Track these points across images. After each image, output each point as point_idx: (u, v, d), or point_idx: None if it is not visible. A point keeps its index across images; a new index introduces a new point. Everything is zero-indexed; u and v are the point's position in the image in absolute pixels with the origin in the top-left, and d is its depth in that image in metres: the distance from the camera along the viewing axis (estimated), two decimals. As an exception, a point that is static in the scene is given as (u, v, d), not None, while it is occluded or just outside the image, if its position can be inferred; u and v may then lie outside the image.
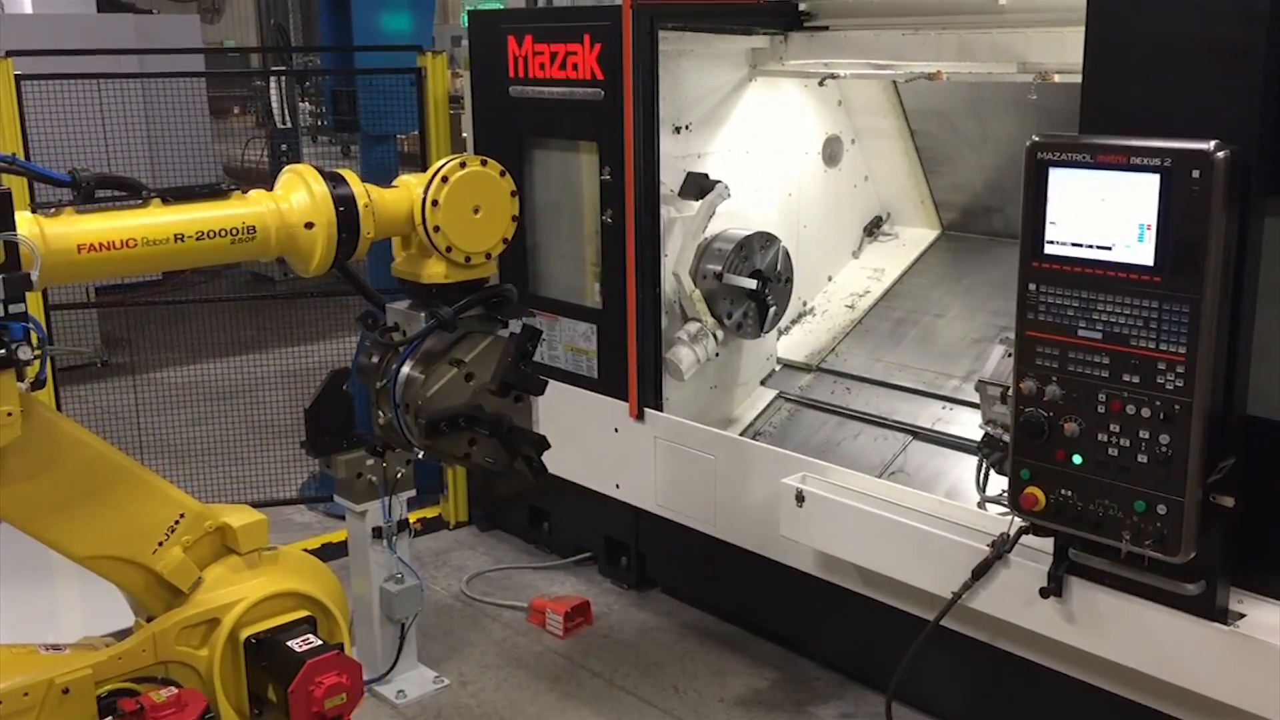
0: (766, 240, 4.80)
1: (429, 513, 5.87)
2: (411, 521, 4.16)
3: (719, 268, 4.69)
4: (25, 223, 2.46)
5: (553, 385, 5.04)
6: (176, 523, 2.86)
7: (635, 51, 4.40)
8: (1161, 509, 2.85)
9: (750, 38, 4.85)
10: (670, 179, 4.65)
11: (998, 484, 3.55)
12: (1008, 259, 4.06)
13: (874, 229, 5.53)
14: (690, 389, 4.84)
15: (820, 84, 5.05)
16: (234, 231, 2.78)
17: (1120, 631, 3.14)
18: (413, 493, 4.13)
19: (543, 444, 3.36)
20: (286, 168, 3.00)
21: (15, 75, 5.23)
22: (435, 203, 3.07)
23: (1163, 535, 2.86)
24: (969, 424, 4.32)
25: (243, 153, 12.56)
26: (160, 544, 2.83)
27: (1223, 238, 2.71)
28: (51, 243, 2.51)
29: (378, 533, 4.05)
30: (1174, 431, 2.81)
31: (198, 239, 2.72)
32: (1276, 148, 2.78)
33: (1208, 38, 2.76)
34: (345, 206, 2.91)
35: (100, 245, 2.59)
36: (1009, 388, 3.18)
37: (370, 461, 3.98)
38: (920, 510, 3.71)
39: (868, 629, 4.10)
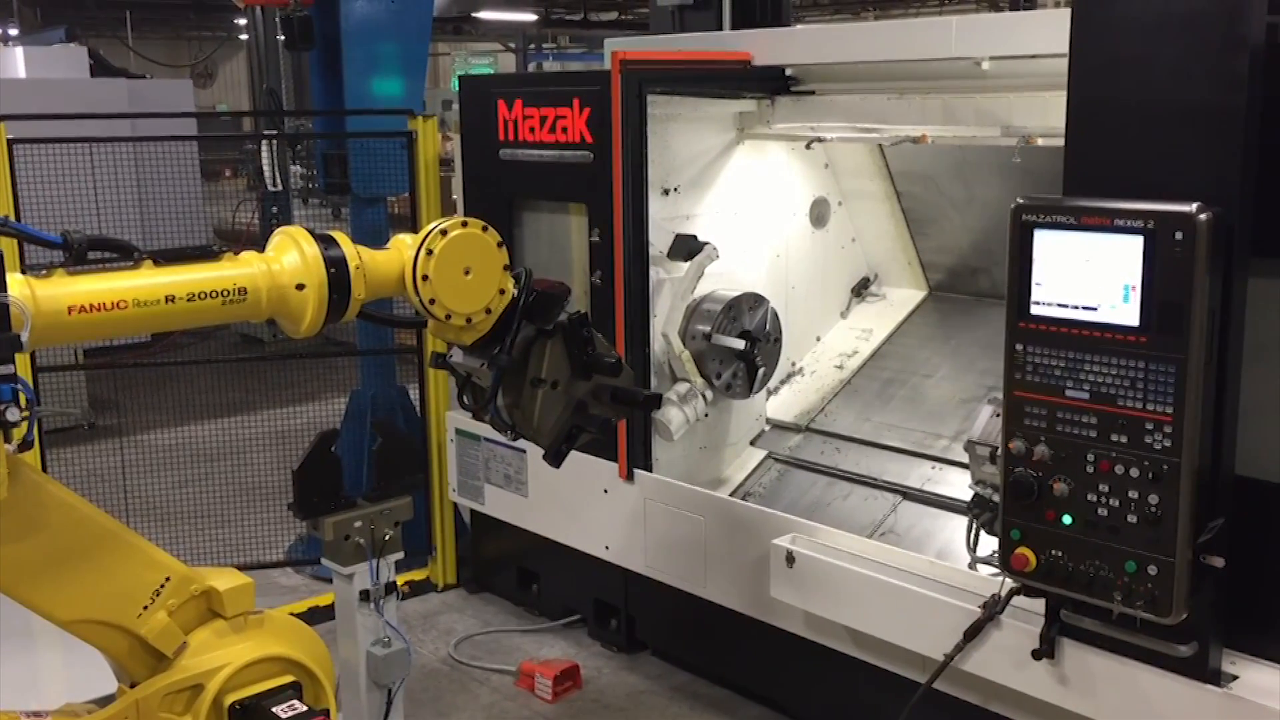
0: (755, 301, 4.83)
1: (417, 575, 5.82)
2: (399, 584, 4.12)
3: (708, 328, 4.71)
4: (16, 284, 2.45)
5: (542, 446, 5.07)
6: (162, 586, 2.82)
7: (624, 115, 4.45)
8: (1152, 569, 2.84)
9: (738, 102, 4.91)
10: (659, 240, 4.68)
11: (988, 544, 3.54)
12: (995, 319, 4.08)
13: (862, 290, 5.56)
14: (680, 449, 4.83)
15: (807, 147, 5.11)
16: (225, 293, 2.75)
17: (1113, 693, 3.12)
18: (400, 555, 4.10)
19: (650, 401, 3.61)
20: (278, 230, 2.98)
21: (8, 139, 5.26)
22: (425, 277, 3.04)
23: (1154, 596, 2.85)
24: (958, 484, 4.31)
25: (234, 215, 12.61)
26: (145, 608, 2.79)
27: (1207, 298, 2.74)
28: (42, 304, 2.49)
29: (365, 595, 4.01)
30: (1163, 491, 2.81)
31: (189, 300, 2.69)
32: (1259, 209, 2.81)
33: (1188, 102, 2.80)
34: (336, 268, 2.89)
35: (91, 306, 2.55)
36: (998, 448, 3.18)
37: (358, 524, 3.96)
38: (911, 571, 3.69)
39: (859, 691, 4.06)
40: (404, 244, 3.10)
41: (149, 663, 2.84)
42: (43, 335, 2.51)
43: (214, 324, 3.07)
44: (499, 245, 3.13)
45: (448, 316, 3.08)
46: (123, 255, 2.69)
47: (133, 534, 2.85)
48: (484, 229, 3.12)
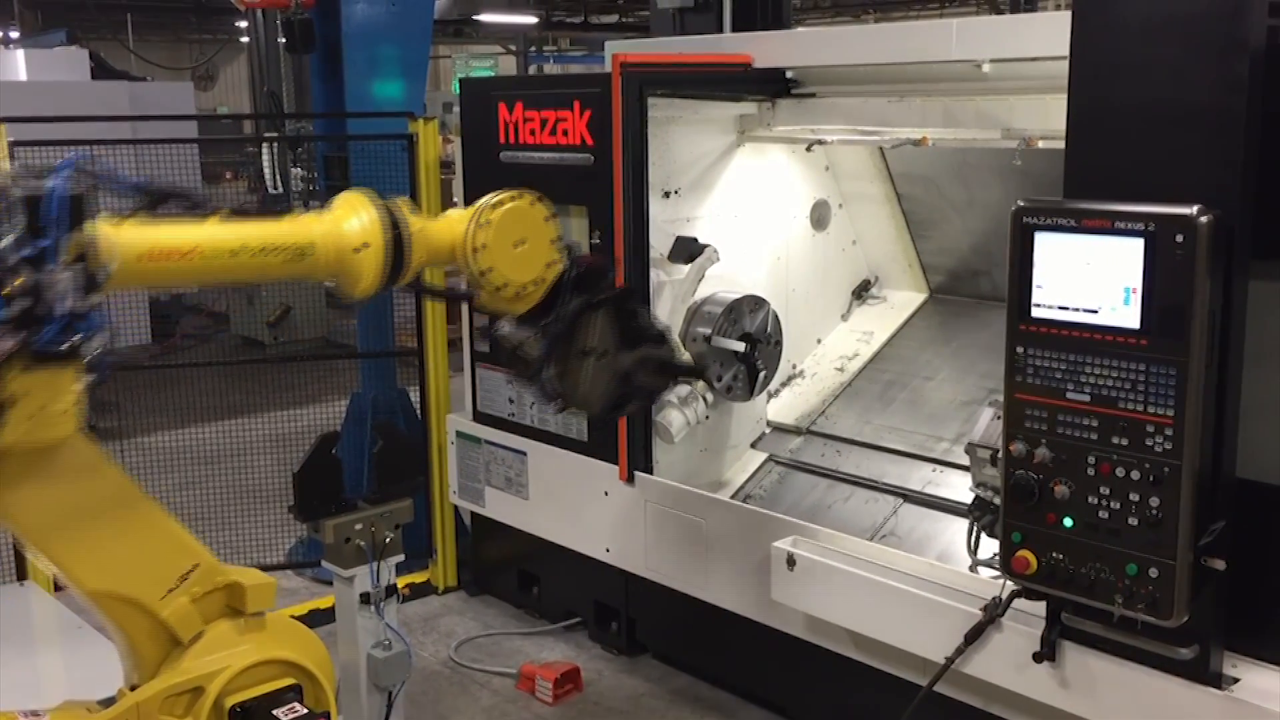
0: (756, 303, 4.83)
1: (417, 578, 5.82)
2: (400, 587, 4.12)
3: (708, 331, 4.71)
4: (95, 225, 2.48)
5: (542, 449, 5.08)
6: (189, 572, 2.85)
7: (625, 118, 4.45)
8: (1153, 572, 2.84)
9: (738, 104, 4.91)
10: (660, 243, 4.68)
11: (989, 547, 3.54)
12: (995, 322, 4.09)
13: (862, 292, 5.56)
14: (680, 452, 4.83)
15: (808, 149, 5.11)
16: (290, 250, 2.81)
17: (1114, 696, 3.12)
18: (401, 557, 4.10)
19: (693, 369, 3.71)
20: (342, 193, 3.03)
21: (9, 141, 5.26)
22: (480, 248, 3.10)
23: (1155, 598, 2.85)
24: (959, 487, 4.31)
25: (234, 217, 12.58)
26: (170, 591, 2.82)
27: (1207, 301, 2.74)
28: (118, 247, 2.51)
29: (365, 598, 4.01)
30: (1164, 494, 2.81)
31: (255, 254, 2.74)
32: (1259, 212, 2.81)
33: (1189, 104, 2.80)
34: (396, 233, 2.94)
35: (163, 253, 2.60)
36: (999, 450, 3.18)
37: (359, 526, 3.96)
38: (912, 574, 3.69)
39: (860, 694, 4.06)
40: (457, 216, 3.16)
41: (162, 649, 2.85)
42: (116, 278, 2.52)
43: (274, 280, 3.12)
44: (549, 218, 3.22)
45: (501, 287, 3.14)
46: (193, 208, 2.73)
47: (169, 516, 2.88)
48: (536, 202, 3.20)
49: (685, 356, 3.58)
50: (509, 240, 3.12)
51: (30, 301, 2.32)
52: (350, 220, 2.91)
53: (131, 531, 2.78)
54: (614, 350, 3.39)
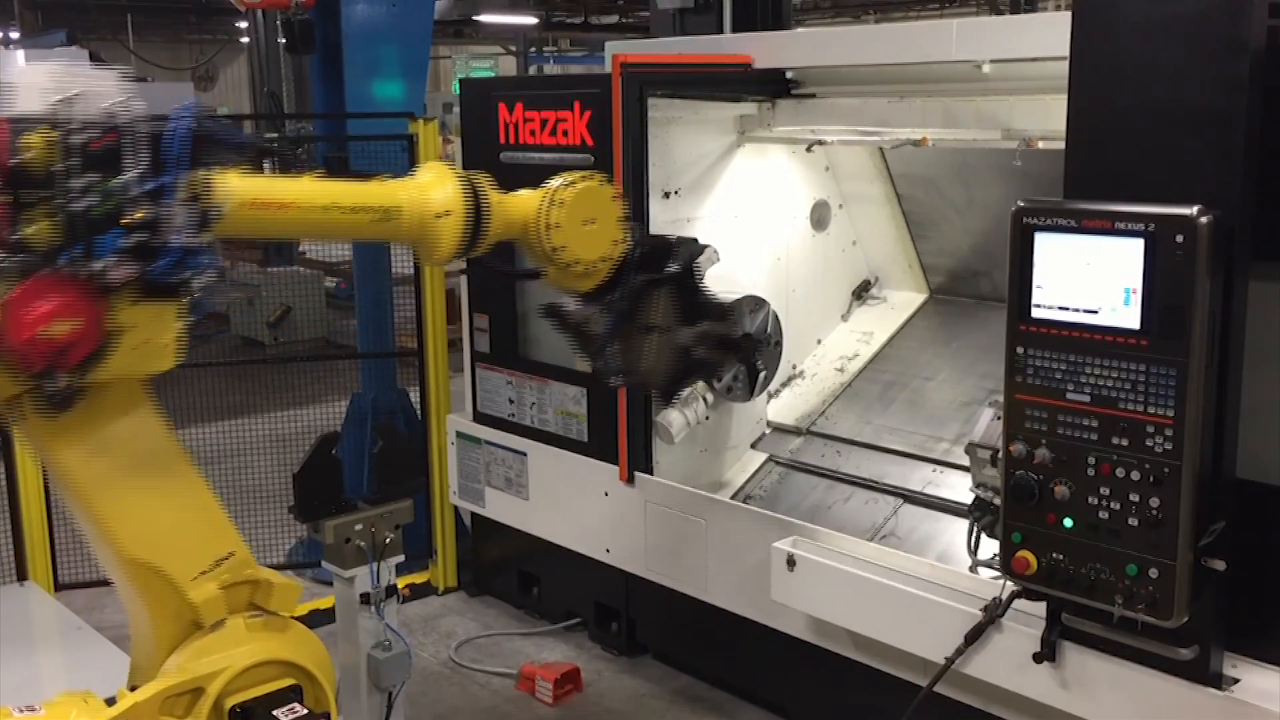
0: (756, 304, 4.82)
1: (418, 578, 5.82)
2: (400, 587, 4.12)
3: (708, 331, 4.70)
4: (208, 170, 2.54)
5: (543, 449, 5.08)
6: (224, 559, 2.86)
7: (625, 118, 4.45)
8: (1153, 572, 2.84)
9: (738, 105, 4.91)
10: (660, 243, 4.68)
11: (989, 547, 3.54)
12: (995, 322, 4.08)
13: (862, 292, 5.56)
14: (680, 452, 4.83)
15: (808, 150, 5.11)
16: (378, 211, 2.90)
17: (1114, 697, 3.12)
18: (401, 558, 4.10)
19: (749, 343, 3.84)
20: (425, 163, 3.12)
21: (9, 142, 5.26)
22: (553, 226, 3.19)
23: (1155, 599, 2.85)
24: (959, 487, 4.31)
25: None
26: (203, 573, 2.83)
27: (1207, 301, 2.74)
28: (227, 192, 2.57)
29: (365, 599, 4.01)
30: (1164, 494, 2.81)
31: (346, 212, 2.83)
32: (1259, 213, 2.81)
33: (1189, 105, 2.80)
34: (477, 203, 3.04)
35: (265, 203, 2.67)
36: (999, 450, 3.18)
37: (359, 527, 3.96)
38: (912, 574, 3.69)
39: (860, 694, 4.06)
40: (528, 194, 3.25)
41: (180, 632, 2.85)
42: (223, 222, 2.58)
43: (358, 240, 3.21)
44: (617, 197, 3.33)
45: (571, 264, 3.24)
46: (287, 167, 2.84)
47: (215, 500, 2.90)
48: (605, 181, 3.31)
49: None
50: (579, 218, 3.22)
51: (147, 235, 2.40)
52: (435, 188, 3.01)
53: (179, 504, 2.81)
54: (675, 326, 3.51)
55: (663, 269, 3.48)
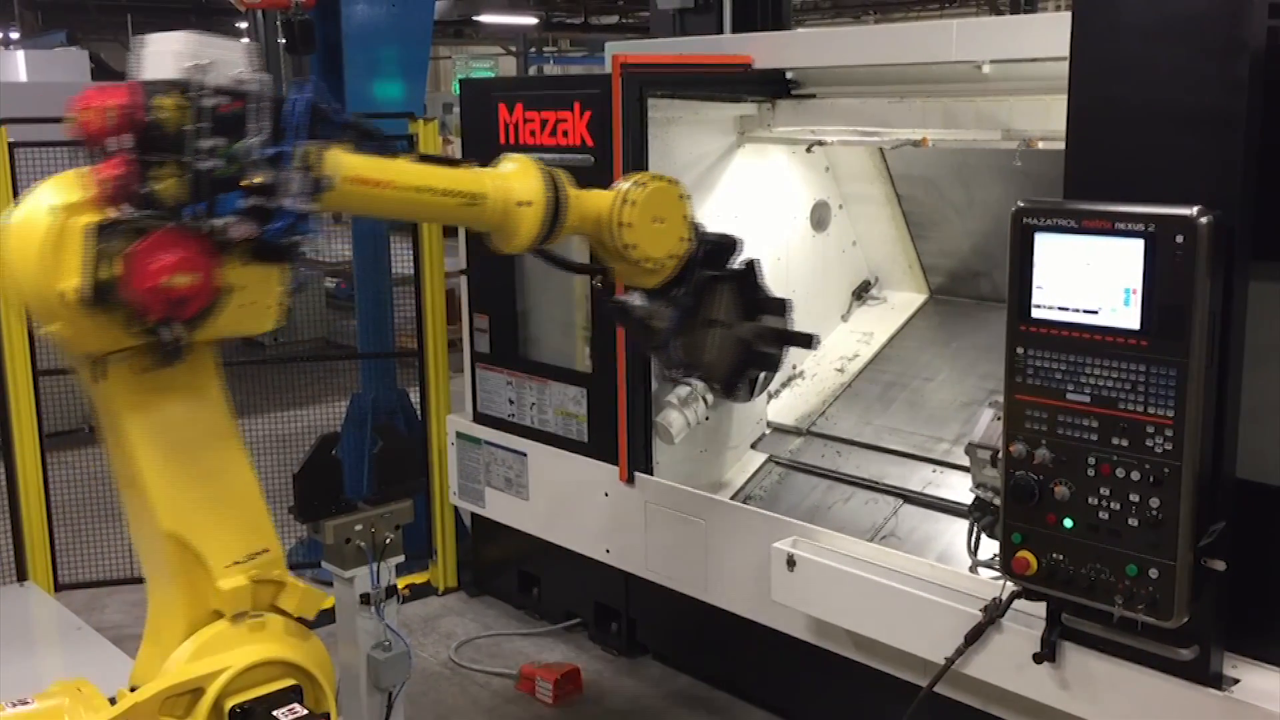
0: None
1: (418, 578, 5.82)
2: (400, 587, 4.12)
3: (709, 331, 4.70)
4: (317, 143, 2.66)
5: (543, 449, 5.08)
6: (259, 554, 2.90)
7: (625, 119, 4.45)
8: (1153, 573, 2.84)
9: (738, 105, 4.91)
10: (660, 244, 4.67)
11: (989, 548, 3.54)
12: (995, 323, 4.08)
13: (862, 293, 5.56)
14: (680, 453, 4.83)
15: (808, 150, 5.11)
16: (467, 196, 3.04)
17: (1114, 697, 3.12)
18: (401, 558, 4.10)
19: (805, 339, 3.93)
20: (507, 155, 3.26)
21: (9, 143, 5.27)
22: (626, 224, 3.35)
23: (1155, 599, 2.85)
24: (959, 487, 4.31)
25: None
26: (236, 563, 2.86)
27: (1207, 302, 2.74)
28: (335, 165, 2.69)
29: (365, 599, 4.01)
30: (1164, 495, 2.81)
31: (438, 194, 2.98)
32: (1259, 213, 2.81)
33: (1189, 105, 2.80)
34: (556, 194, 3.18)
35: (366, 180, 2.80)
36: (999, 451, 3.18)
37: (359, 527, 3.96)
38: (912, 575, 3.69)
39: (860, 695, 4.06)
40: (600, 193, 3.41)
41: (200, 618, 2.87)
42: (327, 196, 2.70)
43: (446, 224, 3.38)
44: (684, 197, 3.51)
45: (641, 261, 3.39)
46: (383, 149, 2.94)
47: (261, 496, 2.96)
48: (673, 182, 3.49)
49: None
50: (649, 217, 3.38)
51: (264, 198, 2.53)
52: (519, 178, 3.17)
53: (228, 490, 2.88)
54: (736, 321, 3.68)
55: (725, 265, 3.63)
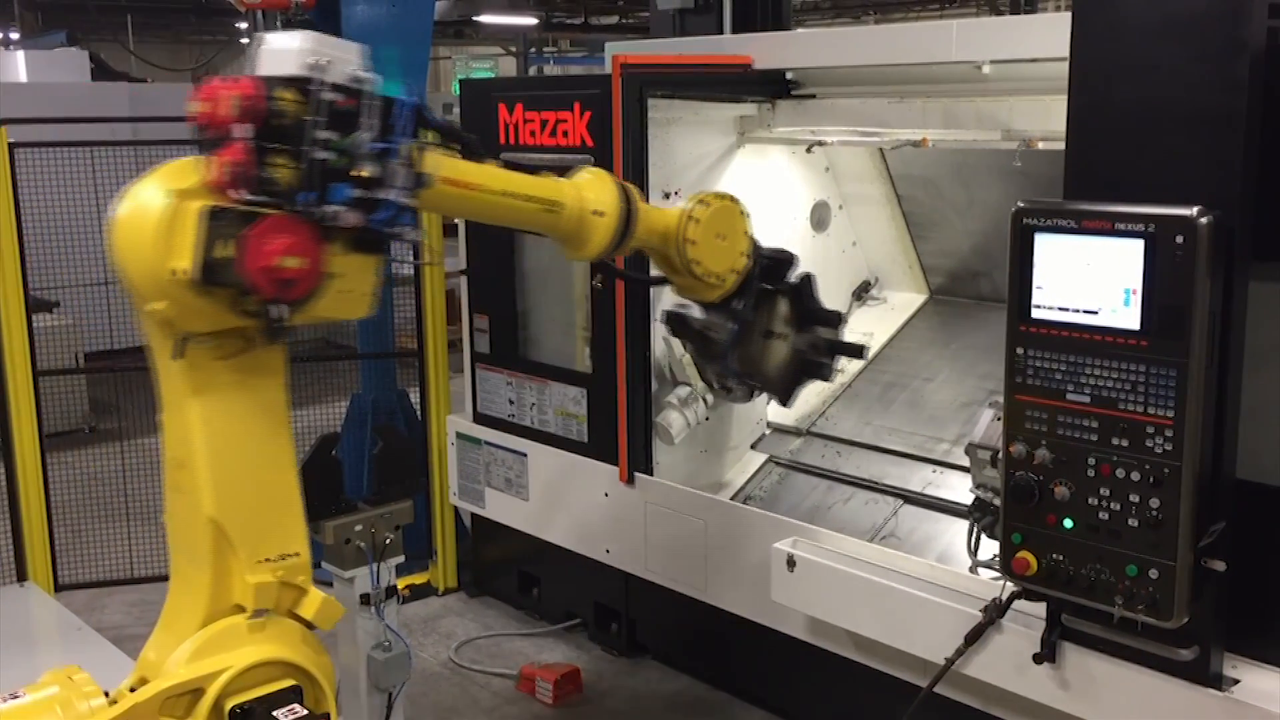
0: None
1: (418, 579, 5.82)
2: (400, 588, 4.12)
3: (709, 332, 4.70)
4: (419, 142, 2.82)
5: (543, 449, 5.08)
6: (289, 556, 2.94)
7: (625, 119, 4.45)
8: (1153, 573, 2.84)
9: (738, 105, 4.91)
10: (660, 244, 4.67)
11: (989, 548, 3.54)
12: (995, 323, 4.08)
13: (862, 293, 5.56)
14: (680, 453, 4.83)
15: (808, 150, 5.11)
16: (547, 202, 3.20)
17: (1114, 698, 3.11)
18: (401, 559, 4.10)
19: (856, 349, 4.07)
20: (583, 167, 3.42)
21: (9, 143, 5.27)
22: (690, 240, 3.50)
23: (1155, 599, 2.85)
24: (959, 488, 4.31)
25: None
26: (266, 560, 2.90)
27: (1207, 302, 2.74)
28: (434, 165, 2.84)
29: (365, 599, 4.01)
30: (1164, 495, 2.81)
31: (520, 199, 3.13)
32: (1259, 213, 2.81)
33: (1189, 105, 2.80)
34: (629, 207, 3.34)
35: (458, 181, 2.96)
36: (999, 451, 3.18)
37: (359, 528, 3.96)
38: (912, 575, 3.69)
39: (860, 695, 4.06)
40: (665, 209, 3.56)
41: (218, 610, 2.90)
42: (423, 196, 2.83)
43: (526, 229, 3.50)
44: (744, 215, 3.66)
45: (705, 276, 3.54)
46: (471, 153, 3.04)
47: (301, 499, 3.00)
48: (735, 201, 3.64)
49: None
50: (713, 234, 3.54)
51: (370, 190, 2.67)
52: (594, 188, 3.32)
53: (274, 487, 2.95)
54: (792, 333, 3.83)
55: (782, 279, 3.78)
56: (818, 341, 3.89)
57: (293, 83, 2.62)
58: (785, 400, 4.03)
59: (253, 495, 2.91)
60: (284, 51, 2.68)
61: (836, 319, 3.92)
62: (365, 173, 2.66)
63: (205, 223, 2.59)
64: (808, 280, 3.86)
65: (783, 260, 3.79)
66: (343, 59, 2.72)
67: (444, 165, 2.91)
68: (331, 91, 2.64)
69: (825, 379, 4.05)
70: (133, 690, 2.84)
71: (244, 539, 2.88)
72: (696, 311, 3.86)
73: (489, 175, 3.07)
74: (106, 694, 2.81)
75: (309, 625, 3.04)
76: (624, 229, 3.33)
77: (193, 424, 2.84)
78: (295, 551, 2.96)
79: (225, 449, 2.86)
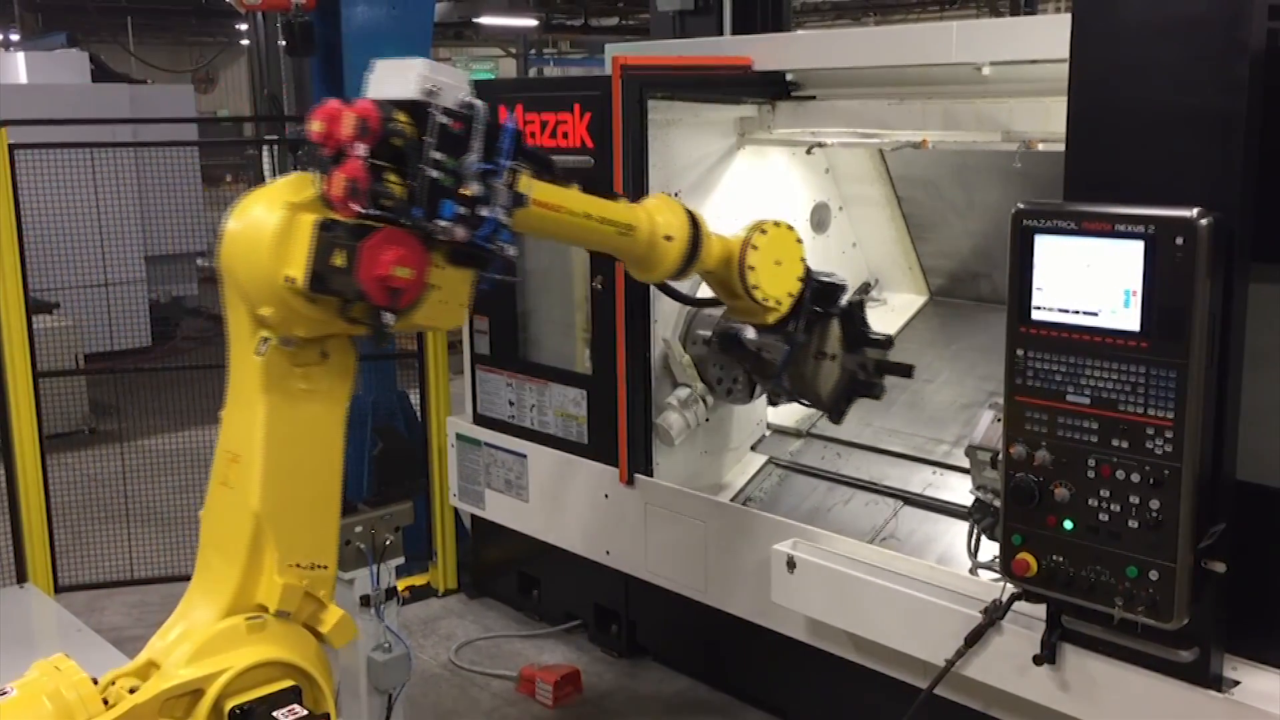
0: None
1: (418, 580, 5.82)
2: (400, 589, 4.12)
3: (708, 333, 4.70)
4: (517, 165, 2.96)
5: (543, 451, 5.08)
6: (318, 566, 3.04)
7: (625, 120, 4.45)
8: (1153, 574, 2.84)
9: (738, 107, 4.91)
10: (660, 245, 4.67)
11: (989, 549, 3.54)
12: (995, 324, 4.07)
13: (862, 294, 5.54)
14: (680, 454, 4.83)
15: (808, 152, 5.11)
16: (623, 226, 3.37)
17: (1114, 699, 3.11)
18: (401, 560, 4.10)
19: (903, 369, 4.15)
20: (654, 194, 3.70)
21: (9, 144, 5.27)
22: (750, 266, 3.67)
23: (1155, 601, 2.85)
24: (959, 489, 4.31)
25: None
26: (296, 565, 3.00)
27: (1207, 303, 2.74)
28: (529, 186, 2.99)
29: (365, 601, 4.01)
30: (1164, 496, 2.81)
31: (600, 222, 3.30)
32: (1259, 215, 2.81)
33: (1189, 107, 2.80)
34: (696, 233, 3.53)
35: (547, 203, 3.10)
36: (999, 453, 3.18)
37: (359, 529, 3.96)
38: (912, 576, 3.69)
39: (860, 697, 4.06)
40: (726, 236, 3.72)
41: (242, 605, 2.97)
42: (518, 218, 2.97)
43: (603, 250, 3.59)
44: (799, 241, 3.83)
45: (763, 300, 3.71)
46: (554, 177, 3.15)
47: (339, 515, 3.14)
48: (790, 228, 3.81)
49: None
50: (771, 260, 3.72)
51: (474, 208, 2.82)
52: (664, 213, 3.51)
53: (319, 495, 3.08)
54: (843, 354, 3.99)
55: (834, 303, 3.94)
56: (867, 362, 4.04)
57: (407, 106, 2.78)
58: (837, 418, 4.16)
59: (298, 500, 3.01)
60: (398, 77, 2.84)
61: (888, 343, 4.06)
62: (471, 191, 2.81)
63: (318, 235, 2.78)
64: (862, 305, 4.04)
65: (834, 285, 3.95)
66: (453, 85, 2.86)
67: (536, 187, 3.04)
68: (444, 115, 2.80)
69: (876, 397, 4.17)
70: (136, 678, 2.85)
71: (281, 540, 2.97)
72: (750, 332, 4.08)
73: (574, 199, 3.23)
74: (95, 681, 2.81)
75: (321, 639, 3.09)
76: (691, 254, 3.51)
77: (257, 419, 2.96)
78: (324, 564, 3.06)
79: (283, 450, 2.97)
